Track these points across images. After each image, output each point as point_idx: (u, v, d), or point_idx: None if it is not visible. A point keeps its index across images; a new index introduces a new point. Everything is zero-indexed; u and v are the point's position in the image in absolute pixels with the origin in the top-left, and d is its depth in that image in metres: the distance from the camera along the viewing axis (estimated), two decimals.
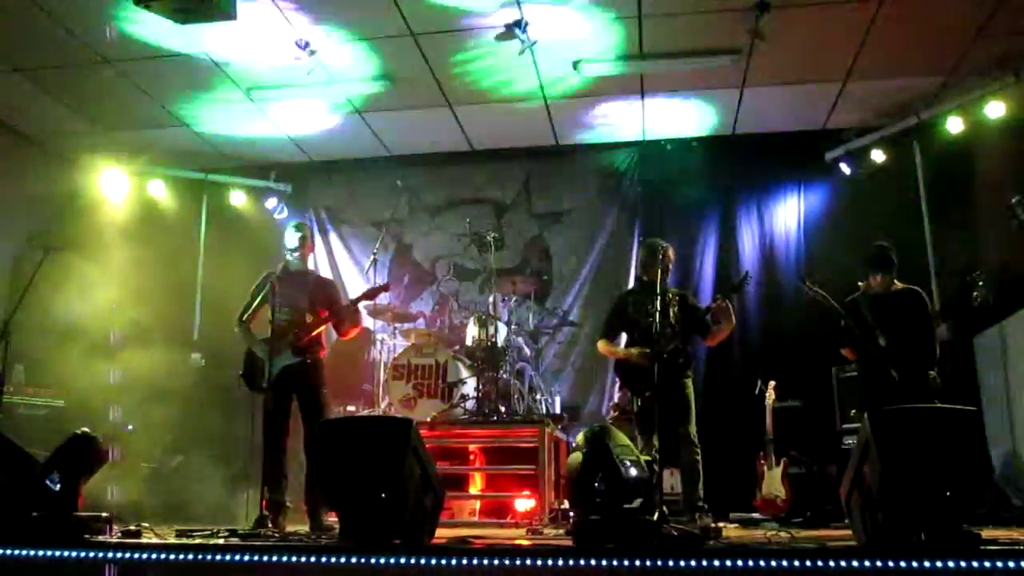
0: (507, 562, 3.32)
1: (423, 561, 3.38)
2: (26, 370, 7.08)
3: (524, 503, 6.42)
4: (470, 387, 7.03)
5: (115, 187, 8.75)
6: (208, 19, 5.66)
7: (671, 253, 5.67)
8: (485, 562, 3.32)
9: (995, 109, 7.09)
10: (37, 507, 4.08)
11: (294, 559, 3.50)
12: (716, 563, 3.16)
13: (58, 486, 4.14)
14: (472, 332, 7.35)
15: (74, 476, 4.20)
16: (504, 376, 7.00)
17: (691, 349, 5.65)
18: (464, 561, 3.34)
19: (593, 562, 3.25)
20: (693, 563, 3.17)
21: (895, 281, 5.47)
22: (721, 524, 5.42)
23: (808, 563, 3.11)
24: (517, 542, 4.55)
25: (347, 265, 9.13)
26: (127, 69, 7.11)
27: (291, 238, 5.59)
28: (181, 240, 8.94)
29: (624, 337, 5.79)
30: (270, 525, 4.84)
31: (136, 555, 3.62)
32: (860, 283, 5.55)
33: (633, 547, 3.39)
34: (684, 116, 8.10)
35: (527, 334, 7.75)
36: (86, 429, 4.43)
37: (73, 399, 7.07)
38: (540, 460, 6.36)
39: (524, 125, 8.32)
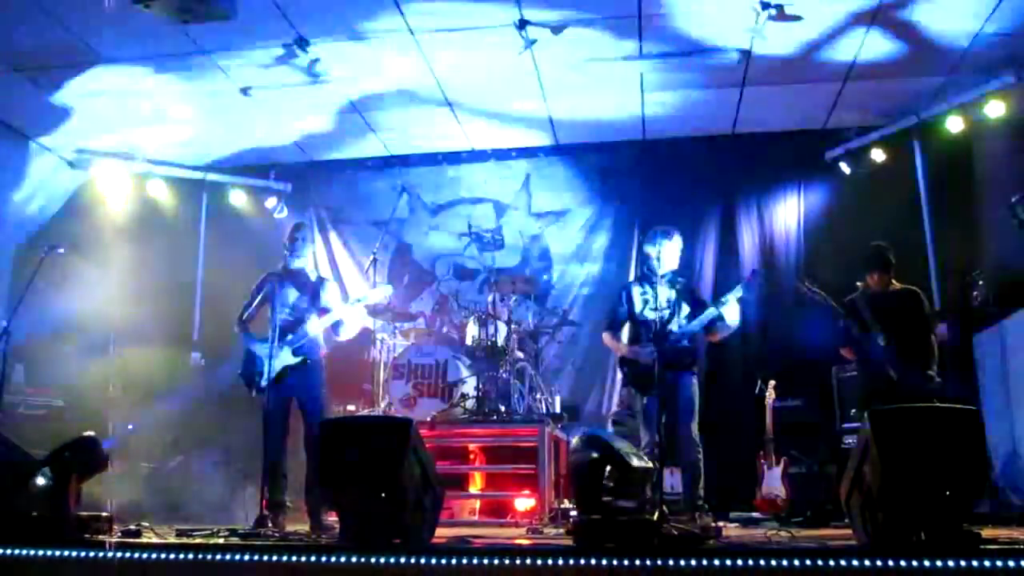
0: (507, 562, 3.33)
1: (423, 561, 3.39)
2: (26, 370, 7.08)
3: (524, 503, 6.42)
4: (470, 387, 7.03)
5: (115, 187, 8.73)
6: (208, 18, 5.66)
7: (679, 242, 5.55)
8: (485, 562, 3.33)
9: (995, 109, 7.08)
10: (31, 506, 4.08)
11: (294, 559, 3.51)
12: (716, 563, 3.16)
13: (42, 481, 4.13)
14: (472, 332, 7.35)
15: (67, 476, 4.19)
16: (504, 376, 7.00)
17: (695, 346, 5.51)
18: (464, 561, 3.35)
19: (593, 562, 3.25)
20: (693, 563, 3.17)
21: (893, 281, 5.47)
22: (721, 523, 5.40)
23: (808, 563, 3.12)
24: (517, 542, 4.55)
25: (347, 265, 9.12)
26: (127, 69, 7.10)
27: (291, 238, 5.59)
28: (181, 240, 8.93)
29: (627, 331, 5.66)
30: (270, 525, 4.83)
31: (136, 555, 3.63)
32: (858, 283, 5.55)
33: (633, 547, 3.39)
34: (684, 115, 8.09)
35: (527, 334, 7.75)
36: (91, 433, 4.43)
37: (73, 399, 7.07)
38: (540, 460, 6.35)
39: (524, 125, 8.32)
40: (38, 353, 6.97)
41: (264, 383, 5.17)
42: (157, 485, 6.85)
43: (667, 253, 5.42)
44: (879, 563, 3.05)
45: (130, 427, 7.19)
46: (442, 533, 4.34)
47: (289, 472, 5.39)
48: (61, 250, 5.66)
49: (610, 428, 7.28)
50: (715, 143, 8.47)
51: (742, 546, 3.88)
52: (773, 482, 6.70)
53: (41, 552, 3.66)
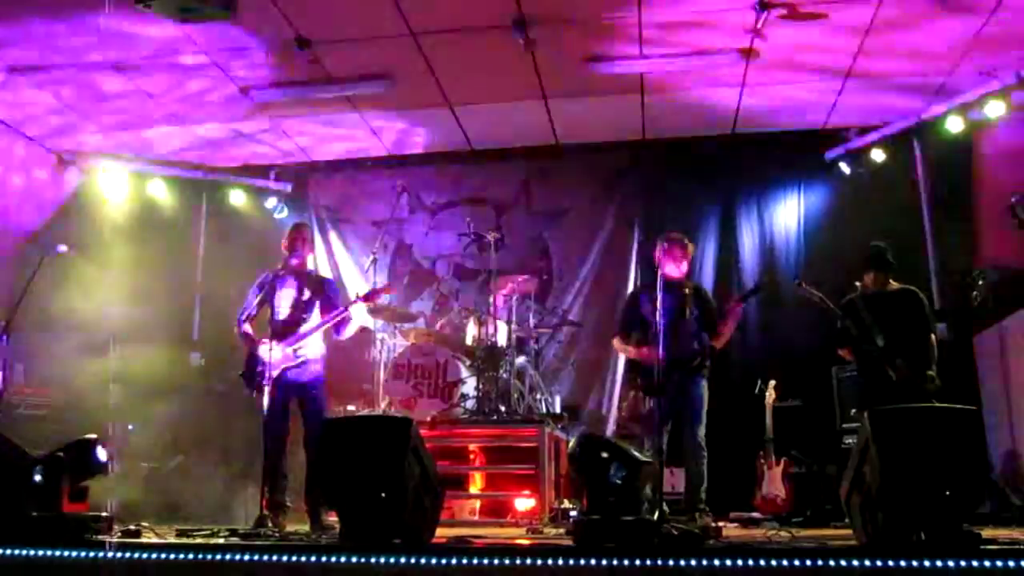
0: (507, 562, 3.33)
1: (423, 561, 3.39)
2: (26, 370, 7.07)
3: (524, 503, 6.41)
4: (470, 387, 7.03)
5: (115, 187, 8.73)
6: (209, 17, 5.66)
7: (690, 247, 5.67)
8: (485, 562, 3.33)
9: (995, 109, 7.08)
10: (26, 505, 4.08)
11: (294, 559, 3.51)
12: (716, 563, 3.17)
13: (37, 478, 4.12)
14: (472, 332, 7.35)
15: (58, 476, 4.19)
16: (504, 376, 7.00)
17: (705, 348, 5.51)
18: (464, 561, 3.35)
19: (593, 562, 3.25)
20: (693, 563, 3.18)
21: (891, 281, 5.46)
22: (721, 523, 5.40)
23: (808, 563, 3.12)
24: (517, 542, 4.55)
25: (347, 265, 9.12)
26: (127, 69, 7.10)
27: (291, 238, 5.59)
28: (181, 240, 8.93)
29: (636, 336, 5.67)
30: (270, 525, 4.83)
31: (136, 555, 3.63)
32: (857, 283, 5.54)
33: (633, 547, 3.39)
34: (684, 115, 8.09)
35: (527, 334, 7.75)
36: (93, 436, 4.43)
37: (73, 399, 7.06)
38: (540, 460, 6.35)
39: (524, 124, 8.31)
40: (38, 353, 6.96)
41: (264, 383, 5.18)
42: (157, 485, 6.84)
43: (677, 258, 5.42)
44: (879, 563, 3.06)
45: (130, 427, 7.18)
46: (442, 533, 4.34)
47: (289, 472, 5.39)
48: (61, 250, 5.66)
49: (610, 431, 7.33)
50: (715, 143, 8.47)
51: (742, 546, 3.88)
52: (773, 482, 6.70)
53: (41, 552, 3.66)
